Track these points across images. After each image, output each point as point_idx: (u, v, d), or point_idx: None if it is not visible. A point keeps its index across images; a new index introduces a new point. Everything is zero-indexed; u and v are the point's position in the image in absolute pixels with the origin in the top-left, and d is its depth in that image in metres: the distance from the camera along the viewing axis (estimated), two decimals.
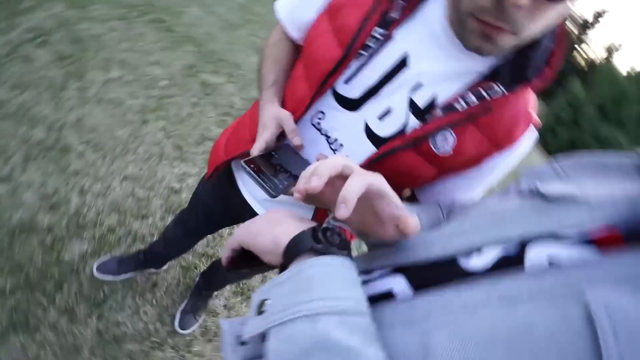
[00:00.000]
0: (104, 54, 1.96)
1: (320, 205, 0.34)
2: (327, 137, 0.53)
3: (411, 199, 0.62)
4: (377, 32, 0.45)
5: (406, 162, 0.49)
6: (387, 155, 0.49)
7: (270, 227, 0.33)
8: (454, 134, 0.46)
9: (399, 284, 0.33)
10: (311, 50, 0.52)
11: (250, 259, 0.35)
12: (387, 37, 0.46)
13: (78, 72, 1.76)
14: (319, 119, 0.54)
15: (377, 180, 0.31)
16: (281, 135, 0.53)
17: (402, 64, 0.46)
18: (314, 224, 0.33)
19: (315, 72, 0.50)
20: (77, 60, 1.80)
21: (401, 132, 0.48)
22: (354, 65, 0.48)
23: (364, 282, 0.36)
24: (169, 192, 1.58)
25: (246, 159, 0.45)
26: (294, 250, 0.29)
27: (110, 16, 2.27)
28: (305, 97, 0.52)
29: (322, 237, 0.30)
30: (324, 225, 0.32)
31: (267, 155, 0.50)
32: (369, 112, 0.49)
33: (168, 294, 1.28)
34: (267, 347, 0.25)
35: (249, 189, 0.69)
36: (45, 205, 1.27)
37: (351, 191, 0.28)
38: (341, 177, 0.30)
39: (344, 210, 0.27)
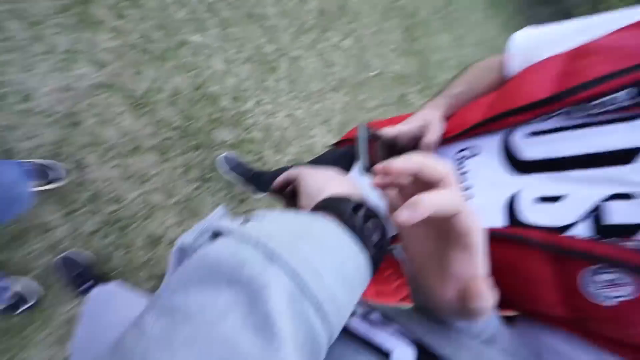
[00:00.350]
0: (351, 24, 2.24)
1: (390, 202, 0.28)
2: (461, 179, 0.45)
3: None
4: (625, 94, 0.32)
5: (531, 270, 0.34)
6: (512, 241, 0.35)
7: (329, 179, 0.31)
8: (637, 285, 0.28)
9: (404, 355, 0.26)
10: (516, 82, 0.43)
11: (292, 196, 0.34)
12: (633, 108, 0.33)
13: (324, 26, 2.06)
14: (467, 156, 0.45)
15: (474, 219, 0.23)
16: (415, 145, 0.48)
17: (625, 156, 0.33)
18: (371, 203, 0.27)
19: (503, 103, 0.42)
20: (327, 21, 2.11)
21: (553, 229, 0.35)
22: (556, 120, 0.37)
23: (364, 315, 0.29)
24: (309, 148, 1.72)
25: (371, 128, 0.43)
26: (326, 207, 0.25)
27: None
28: (471, 121, 0.44)
29: (360, 218, 0.24)
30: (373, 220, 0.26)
31: (388, 144, 0.45)
32: (532, 185, 0.38)
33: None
34: (202, 245, 0.23)
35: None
36: (232, 94, 1.56)
37: (432, 201, 0.21)
38: (431, 185, 0.24)
39: (406, 214, 0.20)
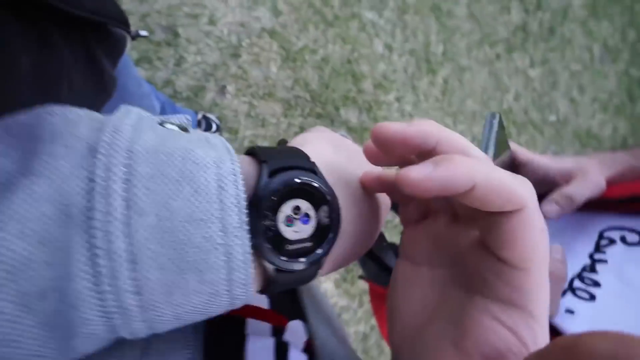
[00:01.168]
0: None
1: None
2: (591, 263, 0.31)
3: None
4: None
5: None
6: None
7: (316, 135, 0.23)
8: None
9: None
10: None
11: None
12: None
13: (515, 45, 1.75)
14: (613, 240, 0.32)
15: (545, 240, 0.15)
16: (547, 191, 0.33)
17: None
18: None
19: None
20: (521, 39, 1.77)
21: None
22: None
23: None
24: None
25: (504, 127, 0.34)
26: (259, 153, 0.18)
27: None
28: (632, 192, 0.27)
29: (281, 184, 0.17)
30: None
31: (510, 165, 0.36)
32: None
33: None
34: None
35: None
36: (378, 80, 1.50)
37: (475, 166, 0.14)
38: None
39: (422, 171, 0.14)
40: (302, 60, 1.38)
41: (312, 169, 0.18)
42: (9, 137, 0.14)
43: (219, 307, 0.15)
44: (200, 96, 1.26)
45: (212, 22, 1.29)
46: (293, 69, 1.37)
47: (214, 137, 0.17)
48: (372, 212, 0.21)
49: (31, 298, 0.12)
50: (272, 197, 0.16)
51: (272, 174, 0.16)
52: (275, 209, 0.16)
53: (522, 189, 0.14)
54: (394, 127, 0.16)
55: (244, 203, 0.15)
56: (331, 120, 1.41)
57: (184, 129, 0.18)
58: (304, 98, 1.38)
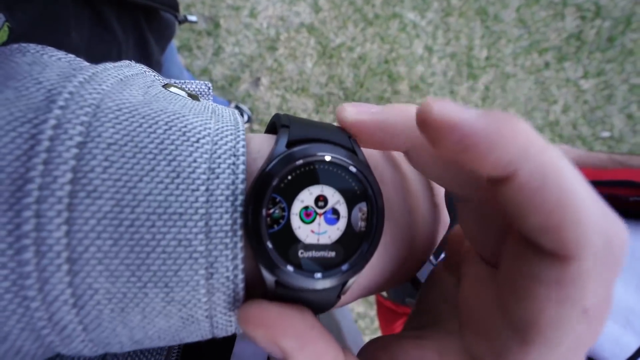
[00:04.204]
0: None
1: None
2: None
3: None
4: None
5: None
6: None
7: None
8: None
9: None
10: None
11: None
12: None
13: (566, 53, 1.63)
14: None
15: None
16: None
17: None
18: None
19: None
20: (574, 48, 1.65)
21: None
22: None
23: None
24: None
25: None
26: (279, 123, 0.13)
27: None
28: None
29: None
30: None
31: None
32: None
33: None
34: None
35: None
36: (414, 82, 1.45)
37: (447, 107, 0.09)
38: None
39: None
40: (338, 57, 1.37)
41: (353, 149, 0.12)
42: None
43: (196, 334, 0.11)
44: (235, 86, 1.28)
45: (252, 14, 1.31)
46: (328, 66, 1.36)
47: (225, 109, 0.14)
48: (431, 222, 0.16)
49: None
50: (288, 176, 0.11)
51: (293, 144, 0.11)
52: (289, 193, 0.11)
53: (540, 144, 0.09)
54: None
55: (241, 197, 0.11)
56: None
57: (193, 96, 0.14)
58: (337, 95, 1.36)
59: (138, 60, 0.36)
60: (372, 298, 1.32)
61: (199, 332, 0.11)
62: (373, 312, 1.32)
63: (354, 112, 0.12)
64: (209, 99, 0.16)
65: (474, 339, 0.11)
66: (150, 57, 0.35)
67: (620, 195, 0.37)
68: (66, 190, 0.09)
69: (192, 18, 0.41)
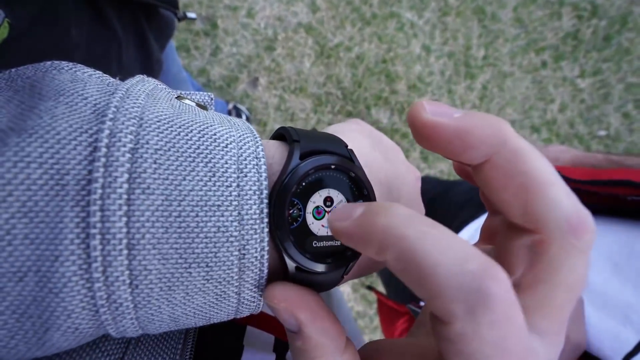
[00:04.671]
0: None
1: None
2: None
3: None
4: None
5: None
6: None
7: (353, 127, 0.20)
8: None
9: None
10: None
11: None
12: None
13: (563, 52, 1.64)
14: None
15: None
16: None
17: None
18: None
19: None
20: (571, 47, 1.66)
21: None
22: None
23: None
24: None
25: None
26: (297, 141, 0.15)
27: None
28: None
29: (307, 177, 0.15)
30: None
31: None
32: None
33: None
34: None
35: None
36: (412, 82, 1.45)
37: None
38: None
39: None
40: (336, 57, 1.37)
41: (350, 157, 0.15)
42: (10, 92, 0.12)
43: (224, 312, 0.13)
44: (233, 87, 1.28)
45: (250, 14, 1.31)
46: (326, 65, 1.36)
47: (234, 118, 0.16)
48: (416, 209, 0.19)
49: (4, 278, 0.10)
50: (302, 183, 0.14)
51: (304, 157, 0.14)
52: (304, 196, 0.14)
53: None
54: (435, 111, 0.12)
55: (266, 192, 0.13)
56: (362, 119, 1.38)
57: (202, 107, 0.16)
58: (335, 95, 1.36)
59: (138, 58, 0.36)
60: (372, 298, 1.32)
61: (227, 310, 0.13)
62: (372, 310, 1.32)
63: (432, 112, 0.12)
64: (212, 108, 0.18)
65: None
66: (150, 55, 0.35)
67: (619, 194, 0.38)
68: (124, 188, 0.11)
69: (191, 15, 0.42)
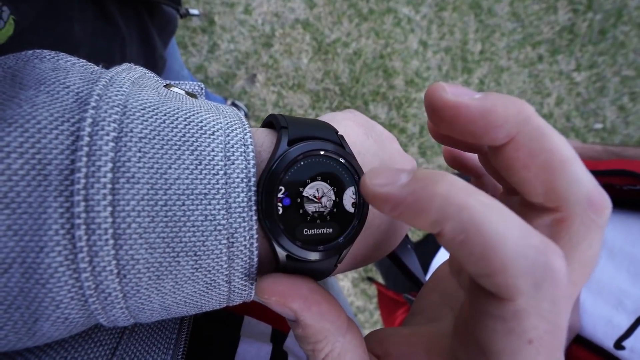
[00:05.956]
0: None
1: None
2: None
3: None
4: None
5: None
6: None
7: (346, 116, 0.19)
8: None
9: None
10: None
11: None
12: None
13: (559, 46, 1.65)
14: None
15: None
16: None
17: None
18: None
19: None
20: (566, 41, 1.67)
21: None
22: None
23: None
24: None
25: None
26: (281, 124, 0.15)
27: None
28: None
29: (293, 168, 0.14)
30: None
31: None
32: None
33: None
34: None
35: None
36: (410, 77, 1.45)
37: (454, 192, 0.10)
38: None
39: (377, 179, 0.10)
40: (333, 53, 1.37)
41: (340, 143, 0.15)
42: None
43: (215, 300, 0.13)
44: (231, 83, 1.28)
45: (247, 11, 1.31)
46: (324, 61, 1.36)
47: (224, 106, 0.16)
48: None
49: None
50: (291, 169, 0.13)
51: (292, 143, 0.14)
52: (293, 183, 0.13)
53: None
54: (456, 92, 0.11)
55: (254, 179, 0.13)
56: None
57: (192, 95, 0.16)
58: (333, 91, 1.36)
59: (141, 54, 0.36)
60: (372, 292, 1.33)
61: (217, 298, 0.13)
62: (372, 305, 1.33)
63: (453, 93, 0.11)
64: (202, 97, 0.18)
65: (459, 346, 0.12)
66: (154, 51, 0.35)
67: (615, 184, 0.38)
68: (109, 178, 0.11)
69: (194, 11, 0.42)
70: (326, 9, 1.37)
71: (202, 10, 1.28)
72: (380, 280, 1.22)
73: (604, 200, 0.11)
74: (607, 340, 0.32)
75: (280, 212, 0.13)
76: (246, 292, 0.13)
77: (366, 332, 1.33)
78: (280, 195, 0.13)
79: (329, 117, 0.19)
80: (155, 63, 0.36)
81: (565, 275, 0.09)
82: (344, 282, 1.33)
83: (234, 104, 1.23)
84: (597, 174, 0.39)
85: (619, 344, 0.32)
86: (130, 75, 0.13)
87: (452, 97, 0.11)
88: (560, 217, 0.11)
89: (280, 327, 0.21)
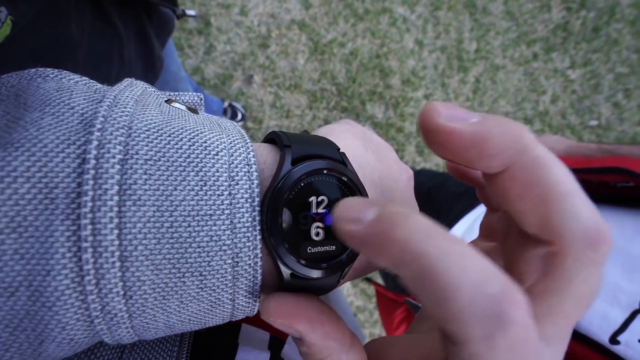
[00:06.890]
0: None
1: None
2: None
3: None
4: None
5: None
6: None
7: (344, 128, 0.19)
8: None
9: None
10: None
11: None
12: None
13: (554, 44, 1.66)
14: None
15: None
16: None
17: None
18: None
19: None
20: (561, 39, 1.68)
21: None
22: None
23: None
24: None
25: None
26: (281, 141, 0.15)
27: None
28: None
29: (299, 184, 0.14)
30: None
31: None
32: None
33: None
34: None
35: None
36: (406, 76, 1.46)
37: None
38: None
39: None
40: (330, 53, 1.37)
41: (342, 161, 0.15)
42: None
43: (219, 317, 0.13)
44: (228, 84, 1.28)
45: (243, 12, 1.31)
46: (320, 62, 1.36)
47: (225, 121, 0.16)
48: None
49: None
50: (295, 188, 0.13)
51: (296, 162, 0.14)
52: (297, 202, 0.14)
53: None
54: (450, 115, 0.11)
55: (258, 199, 0.13)
56: (356, 115, 1.39)
57: (193, 110, 0.16)
58: (330, 91, 1.37)
59: (139, 55, 0.36)
60: (371, 291, 1.33)
61: (221, 315, 0.13)
62: (372, 304, 1.33)
63: (447, 117, 0.11)
64: (202, 109, 0.18)
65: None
66: (151, 51, 0.35)
67: (609, 181, 0.39)
68: (115, 201, 0.11)
69: (191, 12, 0.42)
70: (322, 10, 1.37)
71: (198, 12, 1.28)
72: (379, 280, 1.22)
73: (603, 236, 0.10)
74: (602, 335, 0.32)
75: (284, 231, 0.13)
76: (249, 309, 0.14)
77: (366, 332, 1.33)
78: (284, 215, 0.13)
79: (327, 131, 0.18)
80: (153, 63, 0.36)
81: (524, 325, 0.09)
82: None
83: (231, 106, 1.23)
84: (592, 171, 0.40)
85: (614, 339, 0.32)
86: (132, 93, 0.13)
87: (445, 122, 0.10)
88: (554, 250, 0.10)
89: (278, 335, 0.21)
